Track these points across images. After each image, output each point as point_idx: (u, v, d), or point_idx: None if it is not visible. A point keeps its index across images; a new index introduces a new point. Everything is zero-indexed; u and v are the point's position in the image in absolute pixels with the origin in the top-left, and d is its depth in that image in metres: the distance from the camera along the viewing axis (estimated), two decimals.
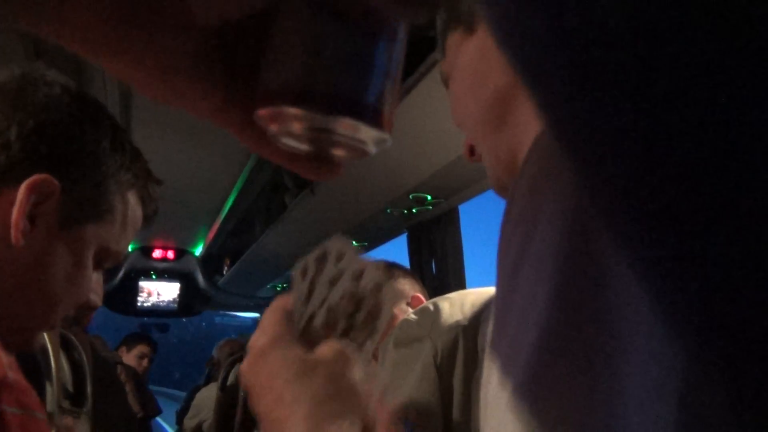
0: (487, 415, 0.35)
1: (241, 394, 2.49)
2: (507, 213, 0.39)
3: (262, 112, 0.29)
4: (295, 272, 0.58)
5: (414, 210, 2.57)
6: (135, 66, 0.27)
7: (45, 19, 0.25)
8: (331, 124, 0.29)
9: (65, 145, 0.68)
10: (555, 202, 0.34)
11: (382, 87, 0.30)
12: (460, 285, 2.67)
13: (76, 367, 1.31)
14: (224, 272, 5.04)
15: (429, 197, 2.40)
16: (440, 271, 2.73)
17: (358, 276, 0.55)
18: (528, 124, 0.57)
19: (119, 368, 2.87)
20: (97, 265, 0.75)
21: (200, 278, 5.55)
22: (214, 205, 3.78)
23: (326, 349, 0.53)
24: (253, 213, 3.77)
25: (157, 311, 5.83)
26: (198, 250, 5.27)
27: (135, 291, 5.66)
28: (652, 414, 0.27)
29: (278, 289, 5.21)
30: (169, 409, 6.45)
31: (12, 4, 0.24)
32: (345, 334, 0.55)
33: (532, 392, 0.30)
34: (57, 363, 0.83)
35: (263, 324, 0.55)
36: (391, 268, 1.60)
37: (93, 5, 0.25)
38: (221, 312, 7.28)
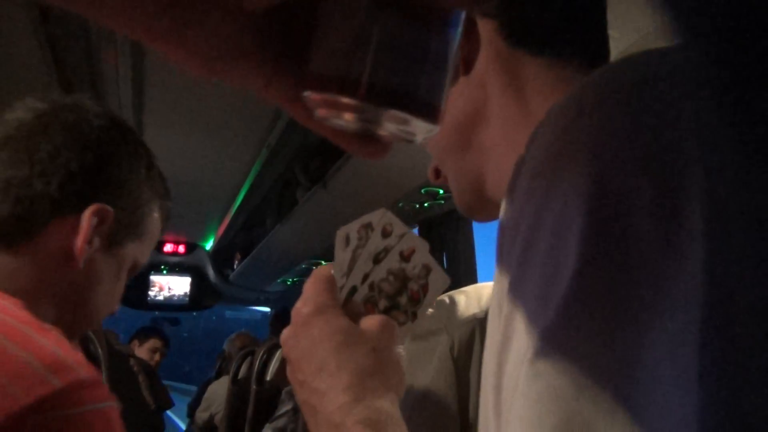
0: (504, 382, 0.35)
1: (253, 387, 2.51)
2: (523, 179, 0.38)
3: (311, 96, 0.28)
4: (337, 240, 0.58)
5: (426, 204, 2.57)
6: (181, 46, 0.27)
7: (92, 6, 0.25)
8: (382, 117, 0.28)
9: (117, 175, 0.77)
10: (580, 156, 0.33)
11: (438, 79, 0.28)
12: (472, 279, 2.67)
13: (92, 359, 1.32)
14: (235, 266, 5.06)
15: (441, 191, 2.40)
16: (451, 265, 2.72)
17: (407, 256, 0.56)
18: (493, 148, 0.57)
19: (132, 361, 2.89)
20: (127, 277, 0.84)
21: (211, 272, 5.57)
22: (225, 200, 3.79)
23: (372, 322, 0.53)
24: (265, 207, 3.78)
25: (168, 305, 5.87)
26: (209, 245, 5.29)
27: (146, 285, 5.69)
28: (680, 361, 0.28)
29: (288, 283, 5.23)
30: (180, 403, 6.50)
31: None
32: (385, 312, 0.56)
33: (560, 342, 0.30)
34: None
35: (306, 292, 0.55)
36: None
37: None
38: (232, 306, 7.31)
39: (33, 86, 1.78)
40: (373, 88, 0.26)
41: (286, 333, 0.55)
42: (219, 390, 3.87)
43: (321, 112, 0.29)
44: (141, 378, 2.53)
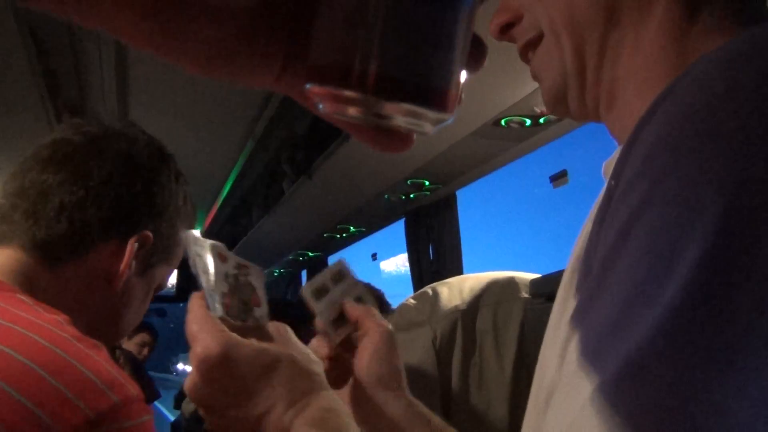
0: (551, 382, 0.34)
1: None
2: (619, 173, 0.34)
3: (312, 89, 0.26)
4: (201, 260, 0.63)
5: (412, 195, 2.57)
6: (181, 52, 0.27)
7: (80, 11, 0.24)
8: (389, 109, 0.25)
9: (160, 203, 0.81)
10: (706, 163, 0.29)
11: (448, 63, 0.26)
12: (458, 270, 2.68)
13: None
14: None
15: (427, 183, 2.40)
16: (438, 256, 2.73)
17: (223, 258, 0.64)
18: (618, 59, 0.46)
19: (117, 353, 2.88)
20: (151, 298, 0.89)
21: None
22: (212, 191, 3.77)
23: (267, 334, 0.57)
24: (251, 199, 3.76)
25: (154, 296, 5.83)
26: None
27: None
28: None
29: (275, 274, 5.22)
30: (167, 394, 6.48)
31: None
32: (243, 315, 0.63)
33: (645, 372, 0.27)
34: None
35: (199, 336, 0.55)
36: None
37: (128, 4, 0.24)
38: None
39: (15, 75, 1.76)
40: (376, 79, 0.24)
41: (192, 383, 0.55)
42: None
43: (324, 107, 0.27)
44: (126, 370, 2.53)
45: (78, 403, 0.56)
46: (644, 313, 0.27)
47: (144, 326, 4.26)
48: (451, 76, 0.26)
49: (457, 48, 0.26)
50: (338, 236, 3.41)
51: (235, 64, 0.27)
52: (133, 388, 0.63)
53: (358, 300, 0.73)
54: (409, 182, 2.40)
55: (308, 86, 0.26)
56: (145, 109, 2.53)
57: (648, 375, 0.26)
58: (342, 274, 0.73)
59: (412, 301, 1.05)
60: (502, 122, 1.67)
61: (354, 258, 1.68)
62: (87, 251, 0.75)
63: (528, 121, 1.66)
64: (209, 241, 0.63)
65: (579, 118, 0.51)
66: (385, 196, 2.63)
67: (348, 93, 0.25)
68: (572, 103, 0.50)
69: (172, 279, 5.77)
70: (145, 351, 4.09)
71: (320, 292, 0.71)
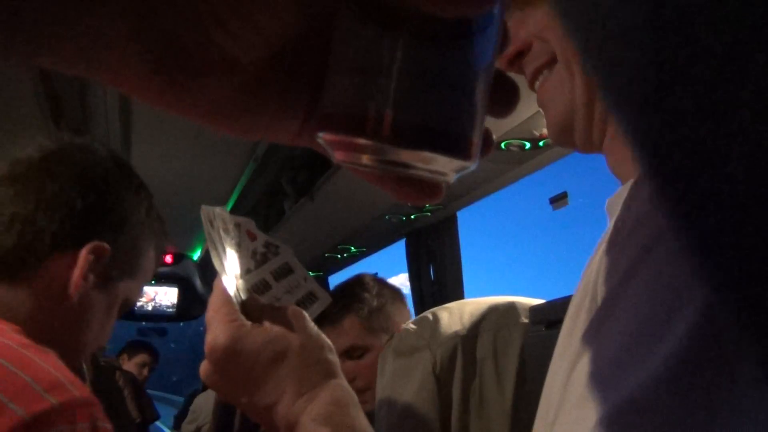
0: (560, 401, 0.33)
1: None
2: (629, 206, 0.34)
3: (324, 137, 0.25)
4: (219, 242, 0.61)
5: (413, 216, 2.57)
6: (190, 108, 0.26)
7: (78, 65, 0.24)
8: (405, 157, 0.24)
9: (118, 216, 0.80)
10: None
11: (467, 107, 0.24)
12: (459, 290, 2.68)
13: (76, 373, 1.31)
14: None
15: (427, 204, 2.41)
16: (438, 277, 2.73)
17: (252, 236, 0.63)
18: None
19: (117, 374, 2.87)
20: (118, 314, 0.87)
21: (198, 283, 5.54)
22: None
23: (283, 319, 0.56)
24: (252, 219, 3.77)
25: (155, 316, 5.82)
26: (196, 255, 5.26)
27: None
28: None
29: None
30: (167, 413, 6.44)
31: (58, 45, 0.23)
32: (266, 289, 0.62)
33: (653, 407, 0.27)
34: None
35: (213, 324, 0.56)
36: (381, 289, 1.52)
37: (125, 57, 0.24)
38: None
39: (19, 97, 1.78)
40: (391, 126, 0.23)
41: (206, 370, 0.56)
42: (206, 402, 3.84)
43: (338, 156, 0.25)
44: (127, 391, 2.51)
45: (10, 406, 0.56)
46: (651, 350, 0.28)
47: (144, 346, 4.26)
48: (472, 121, 0.24)
49: (477, 92, 0.24)
50: (339, 256, 3.41)
51: (248, 119, 0.27)
52: (80, 392, 0.63)
53: (310, 298, 0.65)
54: (410, 203, 2.41)
55: (320, 134, 0.25)
56: (147, 131, 2.55)
57: (651, 413, 0.26)
58: (287, 268, 0.65)
59: (412, 326, 1.05)
60: (502, 145, 1.68)
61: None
62: (40, 263, 0.75)
63: (528, 144, 1.67)
64: (239, 218, 0.62)
65: (582, 150, 0.52)
66: (386, 217, 2.63)
67: (361, 140, 0.23)
68: (578, 134, 0.50)
69: (173, 299, 5.77)
70: (146, 371, 4.09)
71: (260, 289, 0.63)
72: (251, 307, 0.57)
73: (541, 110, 1.50)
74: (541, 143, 1.66)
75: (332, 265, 3.79)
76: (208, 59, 0.24)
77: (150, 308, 5.71)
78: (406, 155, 0.23)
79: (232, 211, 2.59)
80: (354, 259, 3.51)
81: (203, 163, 2.94)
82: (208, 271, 5.32)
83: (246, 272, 0.60)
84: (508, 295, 1.10)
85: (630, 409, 0.27)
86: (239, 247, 0.61)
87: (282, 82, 0.27)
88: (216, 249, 0.59)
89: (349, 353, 1.42)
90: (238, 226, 0.62)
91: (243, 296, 0.59)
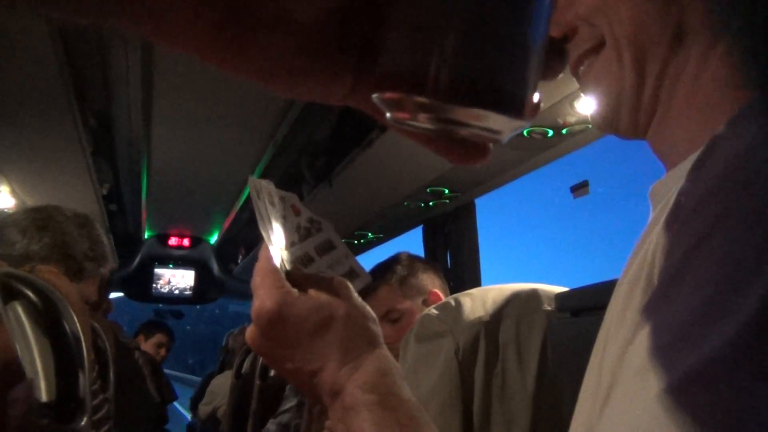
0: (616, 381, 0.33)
1: (257, 382, 2.52)
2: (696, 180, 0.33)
3: (381, 97, 0.25)
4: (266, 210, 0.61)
5: (431, 203, 2.57)
6: (248, 67, 0.27)
7: (145, 24, 0.25)
8: (460, 116, 0.24)
9: None
10: None
11: (523, 69, 0.24)
12: (475, 279, 2.68)
13: (99, 353, 1.34)
14: (239, 261, 5.07)
15: (446, 191, 2.40)
16: (455, 264, 2.73)
17: (297, 211, 0.62)
18: (678, 86, 0.45)
19: (137, 354, 2.91)
20: None
21: (215, 266, 5.59)
22: (231, 194, 3.80)
23: (328, 288, 0.56)
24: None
25: (172, 298, 5.89)
26: (213, 239, 5.30)
27: (150, 278, 5.71)
28: None
29: None
30: (183, 394, 6.52)
31: (113, 5, 0.24)
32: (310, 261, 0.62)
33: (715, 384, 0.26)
34: (89, 351, 0.85)
35: (260, 290, 0.56)
36: (413, 261, 1.60)
37: (192, 14, 0.25)
38: (235, 300, 7.34)
39: (44, 80, 1.80)
40: (448, 83, 0.23)
41: (252, 334, 0.56)
42: (222, 384, 3.89)
43: (394, 115, 0.26)
44: (146, 372, 2.55)
45: None
46: (720, 321, 0.27)
47: (160, 327, 4.30)
48: (527, 80, 0.24)
49: (534, 53, 0.24)
50: (356, 242, 3.42)
51: (304, 79, 0.28)
52: None
53: (350, 275, 0.65)
54: (428, 190, 2.41)
55: (376, 95, 0.25)
56: (168, 115, 2.57)
57: (722, 381, 0.26)
58: (330, 244, 0.66)
59: (434, 311, 1.05)
60: (525, 132, 1.67)
61: (372, 265, 1.69)
62: None
63: (551, 132, 1.66)
64: (283, 192, 0.63)
65: (626, 135, 0.51)
66: (404, 204, 2.63)
67: (420, 98, 0.23)
68: (624, 119, 0.49)
69: (189, 281, 5.83)
70: (162, 351, 4.13)
71: (303, 262, 0.64)
72: (297, 277, 0.57)
73: (565, 98, 1.49)
74: (564, 131, 1.65)
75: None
76: (268, 17, 0.25)
77: (167, 291, 5.77)
78: (463, 113, 0.24)
79: (250, 196, 2.60)
80: (371, 245, 3.52)
81: (222, 147, 2.96)
82: (225, 254, 5.37)
83: (291, 245, 0.61)
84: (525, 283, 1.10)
85: (697, 379, 0.27)
86: (284, 220, 0.61)
87: (335, 43, 0.27)
88: (263, 220, 0.59)
89: (386, 317, 1.49)
90: (283, 199, 0.63)
91: (288, 267, 0.59)
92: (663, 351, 0.29)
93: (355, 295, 0.57)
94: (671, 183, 0.45)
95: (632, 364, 0.30)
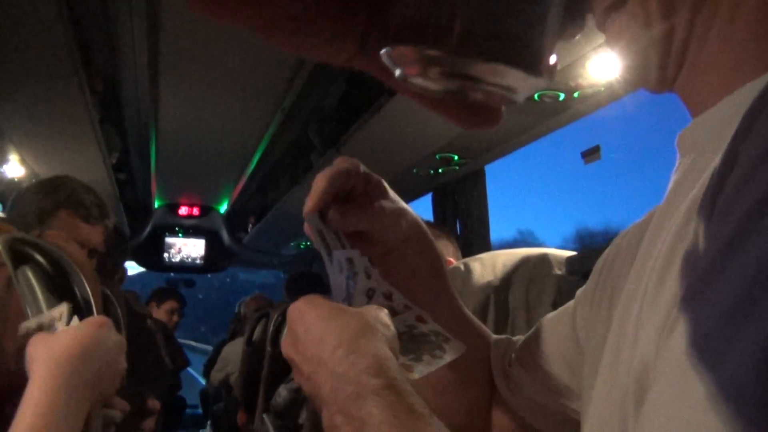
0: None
1: (268, 349, 2.55)
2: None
3: (391, 52, 0.24)
4: (334, 265, 0.57)
5: (440, 170, 2.56)
6: (259, 24, 0.26)
7: None
8: (475, 71, 0.23)
9: None
10: None
11: (540, 25, 0.23)
12: (485, 245, 2.68)
13: (111, 319, 1.35)
14: (249, 230, 5.09)
15: (456, 157, 2.39)
16: (465, 231, 2.73)
17: (389, 296, 0.56)
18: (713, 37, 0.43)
19: (149, 322, 2.95)
20: None
21: (225, 235, 5.62)
22: (240, 163, 3.80)
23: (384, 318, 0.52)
24: (279, 171, 3.78)
25: (183, 267, 5.94)
26: (223, 208, 5.32)
27: (161, 247, 5.75)
28: None
29: (302, 247, 5.26)
30: (197, 360, 6.63)
31: None
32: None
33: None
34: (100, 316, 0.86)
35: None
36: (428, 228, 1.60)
37: None
38: (245, 268, 7.40)
39: (51, 45, 1.78)
40: (462, 36, 0.22)
41: (285, 339, 0.55)
42: (233, 351, 3.94)
43: (404, 72, 0.24)
44: (159, 339, 2.58)
45: None
46: None
47: (171, 293, 4.35)
48: (545, 36, 0.23)
49: (553, 10, 0.23)
50: None
51: (312, 36, 0.27)
52: None
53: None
54: (438, 157, 2.39)
55: (386, 50, 0.24)
56: (175, 82, 2.55)
57: None
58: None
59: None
60: (536, 96, 1.65)
61: None
62: None
63: (562, 95, 1.64)
64: (364, 259, 0.59)
65: (654, 89, 0.49)
66: (414, 170, 2.62)
67: (433, 52, 0.22)
68: (653, 72, 0.47)
69: (200, 250, 5.88)
70: (175, 317, 4.19)
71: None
72: None
73: (578, 60, 1.46)
74: (576, 94, 1.62)
75: None
76: None
77: (178, 260, 5.82)
78: (478, 68, 0.22)
79: (259, 164, 2.58)
80: None
81: (230, 114, 2.95)
82: (235, 223, 5.39)
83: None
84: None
85: (755, 373, 0.24)
86: (359, 285, 0.58)
87: (344, 3, 0.26)
88: (337, 273, 0.57)
89: None
90: (366, 266, 0.58)
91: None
92: (708, 346, 0.26)
93: (385, 313, 0.53)
94: (701, 128, 0.43)
95: (674, 355, 0.28)
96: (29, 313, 0.79)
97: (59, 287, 0.82)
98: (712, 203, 0.31)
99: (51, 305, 0.80)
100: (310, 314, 0.52)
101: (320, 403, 0.50)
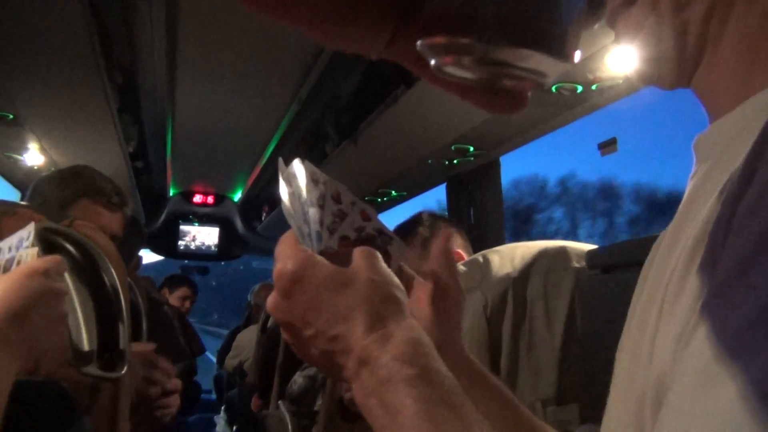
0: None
1: (283, 336, 2.57)
2: None
3: (424, 42, 0.25)
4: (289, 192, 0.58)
5: (455, 161, 2.56)
6: (294, 16, 0.27)
7: None
8: (506, 56, 0.24)
9: None
10: None
11: (566, 11, 0.25)
12: (499, 236, 2.68)
13: (132, 306, 1.38)
14: (263, 218, 5.12)
15: (471, 148, 2.39)
16: (479, 222, 2.73)
17: (336, 198, 0.58)
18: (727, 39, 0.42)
19: (165, 308, 2.98)
20: None
21: (239, 223, 5.65)
22: (255, 152, 3.81)
23: (354, 255, 0.53)
24: (293, 161, 3.79)
25: (197, 254, 5.98)
26: (237, 196, 5.35)
27: (176, 234, 5.79)
28: None
29: None
30: (212, 345, 6.70)
31: None
32: (356, 244, 0.58)
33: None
34: (127, 304, 0.88)
35: (281, 254, 0.54)
36: (435, 221, 1.60)
37: None
38: (259, 257, 7.43)
39: (70, 33, 1.80)
40: (493, 23, 0.23)
41: (273, 300, 0.54)
42: (247, 338, 3.98)
43: (438, 62, 0.26)
44: (176, 324, 2.62)
45: None
46: None
47: (183, 280, 4.39)
48: (571, 23, 0.25)
49: None
50: (379, 200, 3.43)
51: (347, 28, 0.28)
52: None
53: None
54: (453, 147, 2.39)
55: (422, 41, 0.25)
56: (192, 70, 2.56)
57: None
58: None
59: (462, 267, 1.06)
60: (553, 88, 1.65)
61: (395, 222, 1.70)
62: None
63: (580, 88, 1.64)
64: (334, 181, 0.60)
65: (670, 86, 0.48)
66: (429, 161, 2.62)
67: (466, 40, 0.24)
68: (667, 68, 0.46)
69: (214, 238, 5.91)
70: (187, 304, 4.23)
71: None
72: (325, 252, 0.56)
73: (596, 53, 1.45)
74: (594, 87, 1.62)
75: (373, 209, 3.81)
76: None
77: (192, 247, 5.86)
78: (510, 53, 0.24)
79: (274, 153, 2.59)
80: (394, 202, 3.52)
81: (246, 104, 2.96)
82: (249, 212, 5.42)
83: (329, 230, 0.59)
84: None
85: None
86: (322, 205, 0.59)
87: None
88: (299, 201, 0.58)
89: None
90: (325, 184, 0.60)
91: (318, 248, 0.58)
92: (736, 344, 0.26)
93: (381, 263, 0.54)
94: (719, 134, 0.43)
95: (699, 355, 0.28)
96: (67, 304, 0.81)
97: (88, 276, 0.84)
98: (729, 221, 0.31)
99: (81, 293, 0.82)
100: (313, 281, 0.51)
101: (343, 377, 0.50)
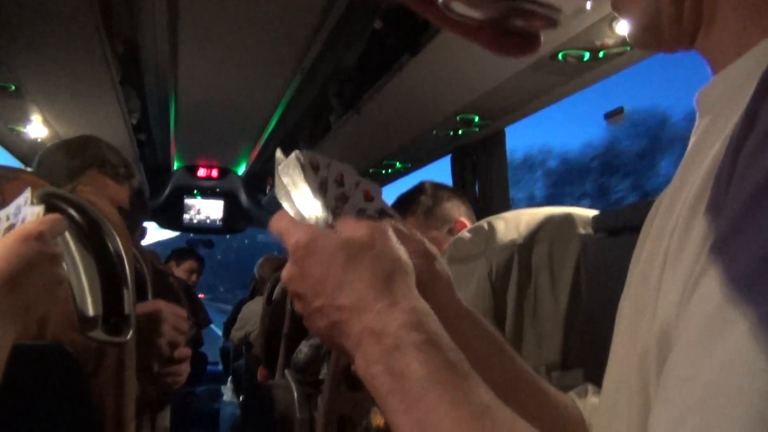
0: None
1: (289, 307, 2.59)
2: None
3: None
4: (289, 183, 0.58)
5: (460, 132, 2.54)
6: None
7: None
8: None
9: None
10: None
11: None
12: (504, 207, 2.68)
13: (138, 277, 1.38)
14: (267, 191, 5.12)
15: (476, 118, 2.37)
16: (484, 193, 2.72)
17: (338, 180, 0.58)
18: None
19: (171, 280, 3.00)
20: None
21: (243, 197, 5.65)
22: (258, 125, 3.80)
23: (361, 228, 0.54)
24: (297, 133, 3.78)
25: (202, 228, 6.00)
26: (241, 170, 5.34)
27: (181, 207, 5.80)
28: None
29: None
30: (217, 318, 6.76)
31: None
32: None
33: None
34: (132, 270, 0.88)
35: (289, 230, 0.55)
36: (437, 190, 1.60)
37: None
38: (263, 230, 7.46)
39: (72, 9, 1.78)
40: None
41: (287, 271, 0.55)
42: (253, 310, 4.01)
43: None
44: (182, 296, 2.63)
45: None
46: None
47: (190, 253, 4.42)
48: None
49: None
50: (384, 171, 3.42)
51: None
52: None
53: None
54: (458, 118, 2.37)
55: None
56: (194, 43, 2.54)
57: None
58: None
59: (467, 234, 1.06)
60: (560, 56, 1.62)
61: (399, 194, 1.70)
62: None
63: (587, 55, 1.61)
64: (338, 163, 0.60)
65: (670, 48, 0.48)
66: (433, 132, 2.60)
67: None
68: (666, 28, 0.45)
69: (218, 211, 5.93)
70: (194, 277, 4.26)
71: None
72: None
73: (604, 18, 1.42)
74: (600, 54, 1.59)
75: (377, 181, 3.81)
76: None
77: (197, 221, 5.88)
78: None
79: (278, 126, 2.58)
80: (399, 174, 3.51)
81: (249, 75, 2.93)
82: (253, 185, 5.42)
83: (333, 211, 0.59)
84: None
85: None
86: (329, 191, 0.59)
87: None
88: (300, 186, 0.58)
89: None
90: (328, 166, 0.60)
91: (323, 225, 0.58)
92: (746, 285, 0.26)
93: (391, 236, 0.54)
94: (720, 87, 0.42)
95: (708, 299, 0.28)
96: (63, 266, 0.81)
97: (92, 241, 0.84)
98: (732, 165, 0.31)
99: (84, 258, 0.82)
100: (326, 251, 0.52)
101: (347, 347, 0.51)
